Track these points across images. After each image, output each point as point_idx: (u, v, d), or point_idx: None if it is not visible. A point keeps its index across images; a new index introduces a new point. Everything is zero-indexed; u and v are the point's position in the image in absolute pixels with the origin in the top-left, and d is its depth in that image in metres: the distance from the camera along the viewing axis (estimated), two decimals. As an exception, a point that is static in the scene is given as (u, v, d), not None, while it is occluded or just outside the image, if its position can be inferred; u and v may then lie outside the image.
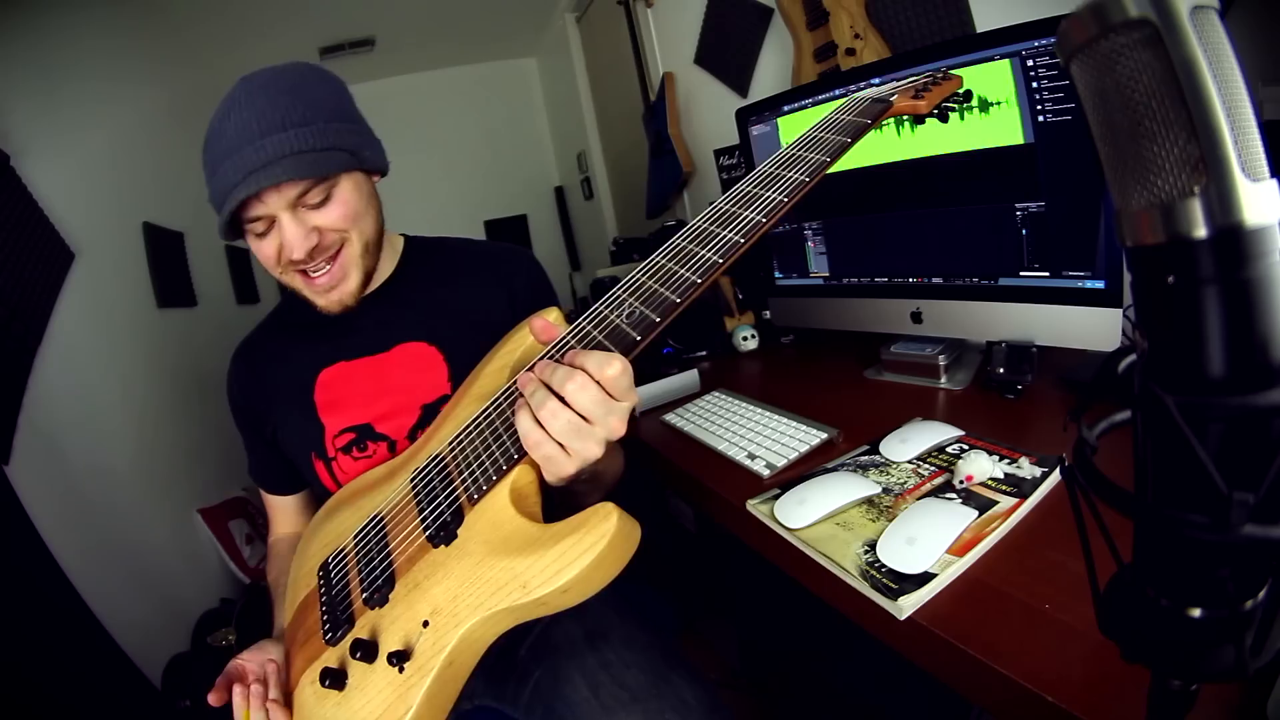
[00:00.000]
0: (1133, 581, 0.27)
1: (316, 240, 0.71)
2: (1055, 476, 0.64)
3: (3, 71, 1.59)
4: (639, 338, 0.52)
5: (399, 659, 0.51)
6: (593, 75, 3.21)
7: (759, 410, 0.97)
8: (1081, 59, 0.24)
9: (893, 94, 0.65)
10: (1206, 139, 0.21)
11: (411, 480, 0.62)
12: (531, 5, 3.20)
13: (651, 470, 1.02)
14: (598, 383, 0.49)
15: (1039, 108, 0.81)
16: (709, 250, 0.54)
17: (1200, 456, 0.22)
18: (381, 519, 0.63)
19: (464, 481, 0.56)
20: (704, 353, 1.45)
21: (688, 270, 0.54)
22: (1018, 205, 0.87)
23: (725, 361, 1.41)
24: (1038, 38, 0.79)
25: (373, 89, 3.49)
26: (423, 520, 0.57)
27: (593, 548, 0.46)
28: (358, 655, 0.53)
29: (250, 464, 0.90)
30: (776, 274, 1.29)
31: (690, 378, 1.20)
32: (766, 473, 0.80)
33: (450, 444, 0.61)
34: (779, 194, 0.56)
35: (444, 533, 0.54)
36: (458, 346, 0.80)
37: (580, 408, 0.49)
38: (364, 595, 0.57)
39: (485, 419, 0.59)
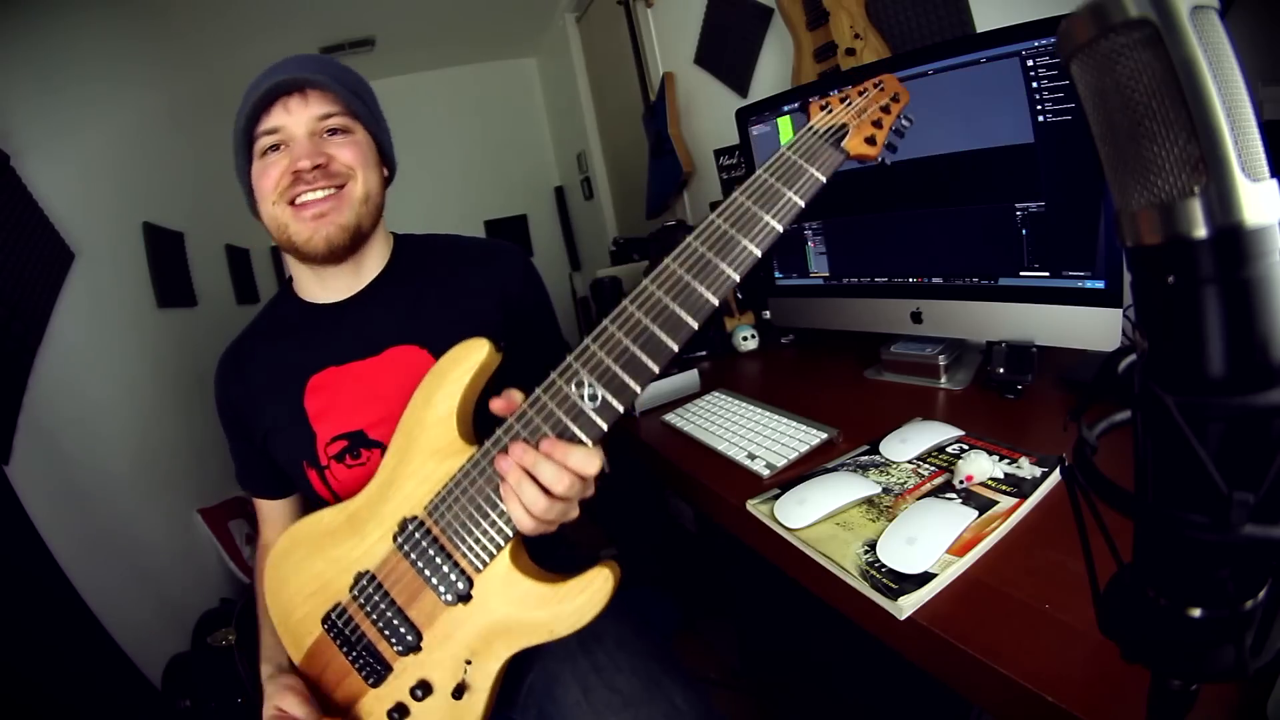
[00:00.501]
0: (1133, 581, 0.27)
1: (325, 161, 0.73)
2: (1055, 476, 0.64)
3: (3, 71, 1.59)
4: (606, 427, 0.56)
5: (459, 691, 0.62)
6: (593, 75, 3.20)
7: (759, 410, 0.97)
8: (1081, 59, 0.24)
9: (844, 132, 0.58)
10: (1206, 139, 0.21)
11: (398, 546, 0.63)
12: (531, 5, 3.20)
13: (651, 470, 1.03)
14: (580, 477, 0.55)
15: (1039, 108, 0.81)
16: (663, 332, 0.54)
17: (1200, 456, 0.22)
18: (375, 578, 0.65)
19: (463, 554, 0.62)
20: (704, 353, 1.45)
21: (643, 353, 0.55)
22: (1018, 205, 0.87)
23: (725, 361, 1.41)
24: (1038, 38, 0.79)
25: (373, 89, 3.48)
26: (434, 587, 0.62)
27: (603, 597, 0.60)
28: (418, 695, 0.64)
29: (238, 471, 0.88)
30: (776, 274, 1.29)
31: (690, 378, 1.20)
32: (766, 473, 0.80)
33: (430, 512, 0.62)
34: (731, 268, 0.54)
35: (461, 597, 0.62)
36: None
37: (567, 497, 0.56)
38: (395, 647, 0.64)
39: (463, 493, 0.60)
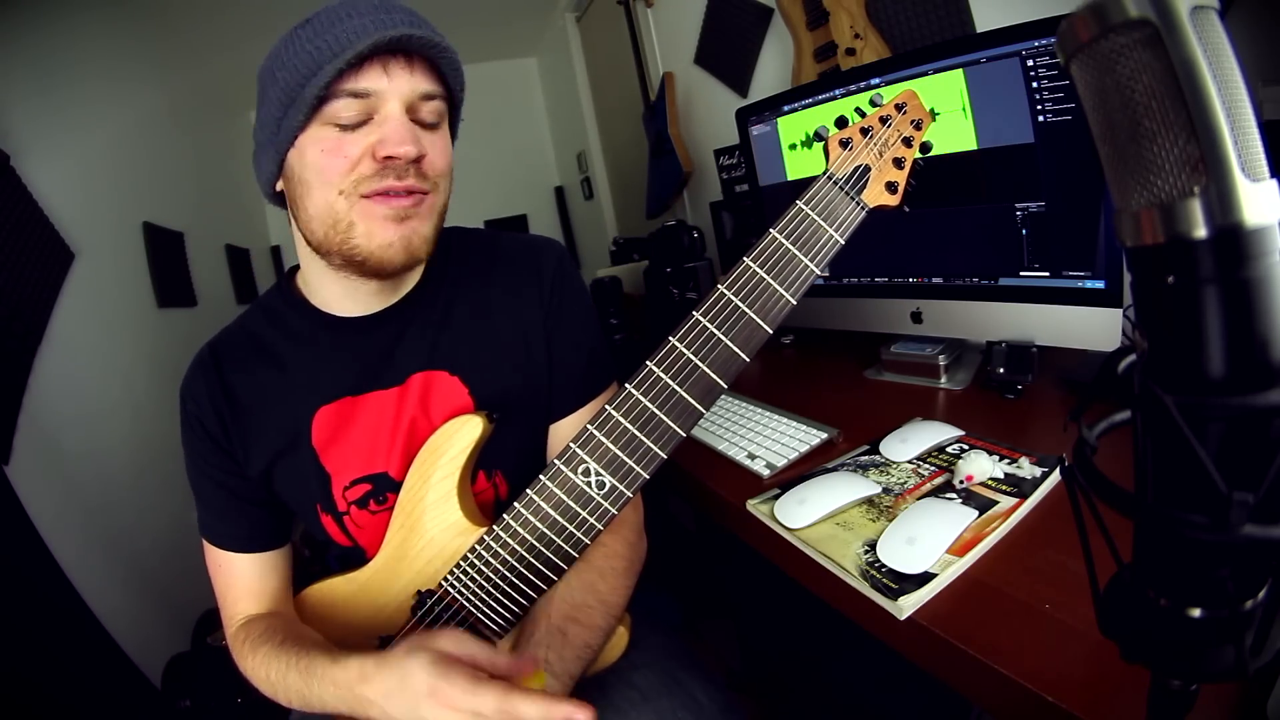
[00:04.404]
0: (1133, 581, 0.27)
1: (423, 155, 0.58)
2: (1055, 476, 0.64)
3: (3, 71, 1.59)
4: (617, 511, 0.57)
5: None
6: (593, 75, 3.20)
7: (759, 410, 0.97)
8: (1081, 59, 0.24)
9: (865, 177, 0.56)
10: (1206, 139, 0.21)
11: (418, 619, 0.65)
12: (531, 5, 3.20)
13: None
14: None
15: (1039, 108, 0.81)
16: (671, 419, 0.54)
17: (1200, 456, 0.22)
18: None
19: (485, 624, 0.64)
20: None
21: (650, 440, 0.55)
22: (1018, 205, 0.87)
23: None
24: (1038, 38, 0.79)
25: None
26: None
27: (616, 654, 0.68)
28: None
29: (208, 518, 0.68)
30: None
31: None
32: (766, 473, 0.80)
33: (449, 587, 0.64)
34: (741, 349, 0.54)
35: None
36: (484, 378, 0.69)
37: None
38: None
39: (479, 572, 0.62)
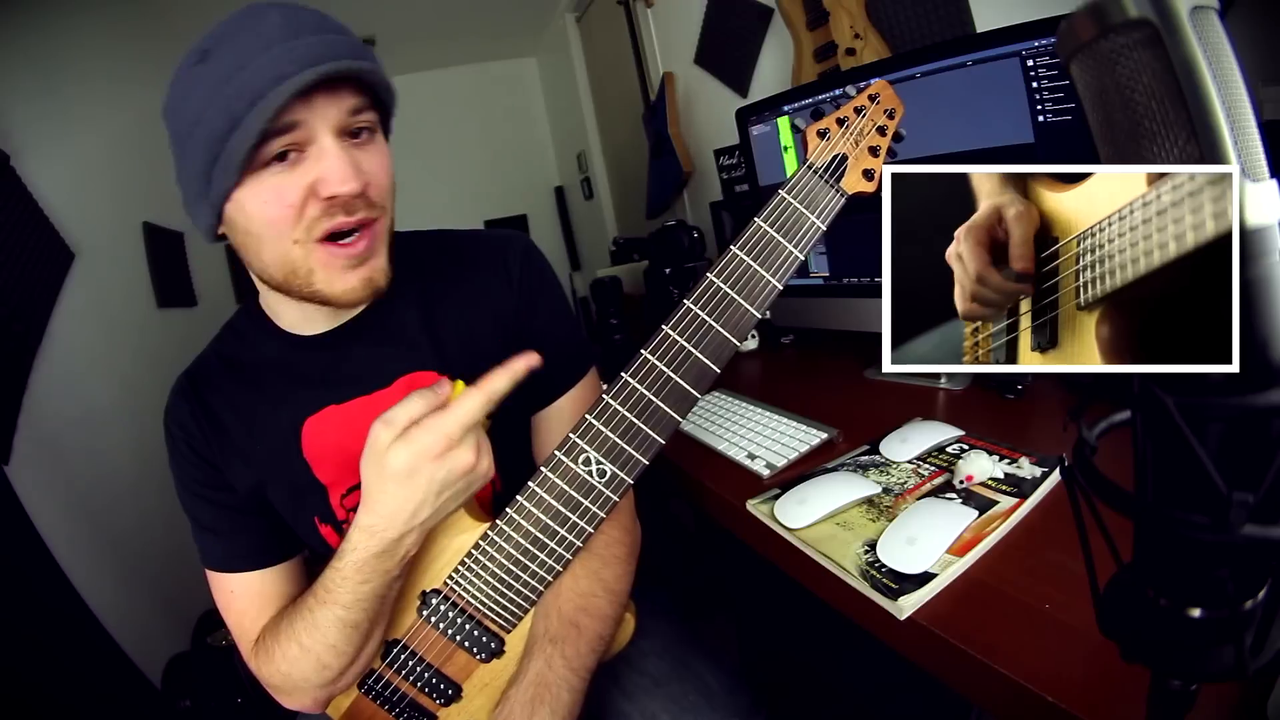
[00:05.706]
0: (1133, 581, 0.27)
1: (366, 184, 0.55)
2: (1055, 476, 0.64)
3: (3, 72, 1.59)
4: (617, 499, 0.57)
5: None
6: (593, 75, 3.20)
7: (759, 410, 0.97)
8: (1081, 59, 0.24)
9: (843, 165, 0.56)
10: (1206, 139, 0.21)
11: (424, 618, 0.64)
12: (531, 5, 3.20)
13: (650, 470, 1.02)
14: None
15: (1039, 108, 0.81)
16: (667, 405, 0.55)
17: (1200, 456, 0.22)
18: (407, 646, 0.65)
19: (492, 619, 0.63)
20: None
21: (648, 427, 0.55)
22: (1018, 205, 0.86)
23: (725, 361, 1.41)
24: (1038, 38, 0.79)
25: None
26: (467, 649, 0.65)
27: (624, 639, 0.69)
28: None
29: (210, 548, 0.66)
30: (776, 274, 1.29)
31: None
32: (766, 473, 0.80)
33: (454, 585, 0.63)
34: (731, 334, 0.54)
35: (494, 654, 0.65)
36: (472, 375, 0.68)
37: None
38: (437, 701, 0.66)
39: (484, 568, 0.61)
